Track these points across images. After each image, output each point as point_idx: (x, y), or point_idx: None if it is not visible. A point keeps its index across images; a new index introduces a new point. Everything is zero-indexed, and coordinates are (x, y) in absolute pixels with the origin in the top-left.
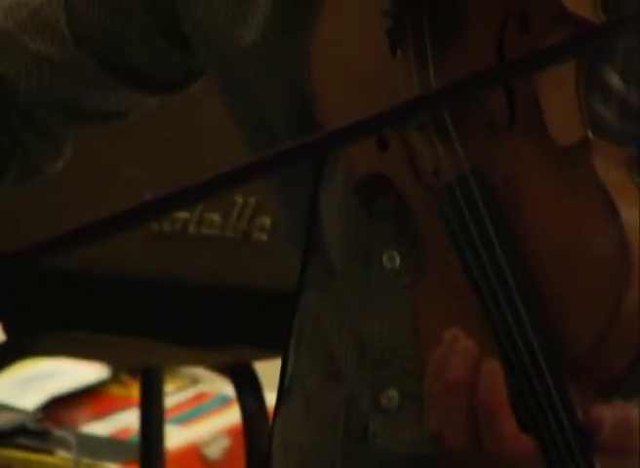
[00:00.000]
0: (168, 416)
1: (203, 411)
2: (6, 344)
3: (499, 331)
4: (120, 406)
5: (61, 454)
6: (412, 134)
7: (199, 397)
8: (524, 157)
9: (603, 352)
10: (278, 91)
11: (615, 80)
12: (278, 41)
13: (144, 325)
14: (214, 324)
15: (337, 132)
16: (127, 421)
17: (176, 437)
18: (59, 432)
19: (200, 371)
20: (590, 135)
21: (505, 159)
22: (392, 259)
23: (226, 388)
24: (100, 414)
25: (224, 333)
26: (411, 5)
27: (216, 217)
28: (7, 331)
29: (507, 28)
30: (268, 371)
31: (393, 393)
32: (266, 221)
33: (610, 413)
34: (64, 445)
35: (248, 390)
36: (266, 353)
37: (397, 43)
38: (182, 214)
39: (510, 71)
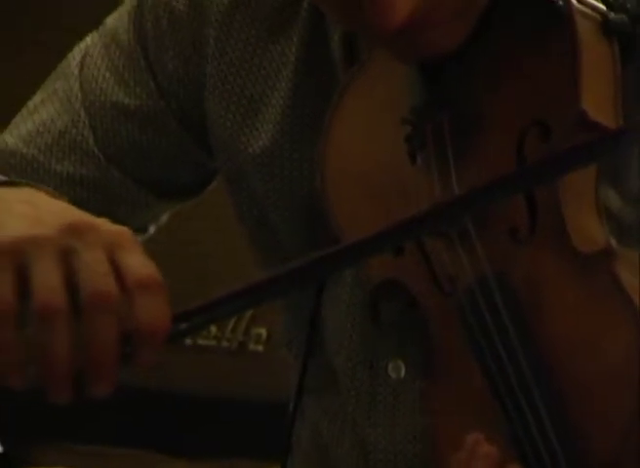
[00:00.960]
0: None
1: None
2: (3, 455)
3: (520, 437)
4: None
5: None
6: (430, 238)
7: None
8: (546, 263)
9: (625, 458)
10: (286, 192)
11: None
12: (288, 147)
13: (143, 436)
14: (212, 435)
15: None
16: None
17: None
18: None
19: None
20: (613, 242)
21: (527, 264)
22: (397, 369)
23: None
24: None
25: (223, 444)
26: (432, 113)
27: (212, 328)
28: (4, 441)
29: (528, 135)
30: None
31: None
32: (262, 332)
33: None
34: None
35: None
36: (265, 464)
37: (417, 150)
38: None
39: (531, 177)
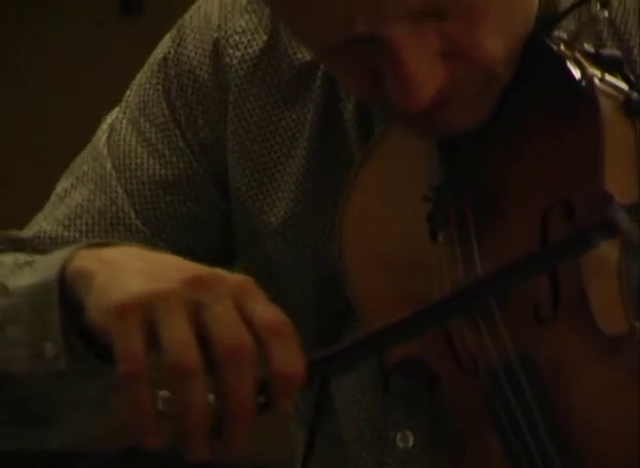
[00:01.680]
0: None
1: None
2: None
3: None
4: None
5: None
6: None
7: None
8: (569, 343)
9: None
10: (300, 260)
11: None
12: (304, 217)
13: None
14: None
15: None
16: None
17: None
18: None
19: None
20: (638, 325)
21: (551, 344)
22: (406, 439)
23: None
24: None
25: None
26: (453, 193)
27: None
28: None
29: (552, 215)
30: None
31: None
32: None
33: None
34: None
35: None
36: None
37: (439, 228)
38: None
39: (556, 256)
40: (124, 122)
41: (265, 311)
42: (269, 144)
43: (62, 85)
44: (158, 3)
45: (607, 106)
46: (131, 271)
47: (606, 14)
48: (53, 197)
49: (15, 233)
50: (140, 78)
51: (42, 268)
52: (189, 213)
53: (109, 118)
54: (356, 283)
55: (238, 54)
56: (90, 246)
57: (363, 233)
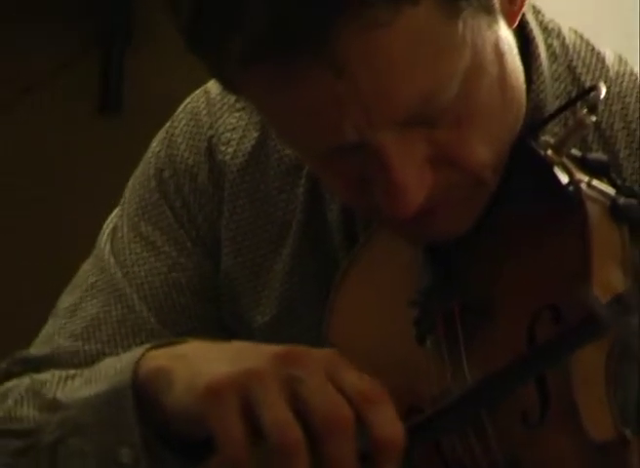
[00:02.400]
0: None
1: None
2: None
3: None
4: None
5: None
6: None
7: None
8: (558, 448)
9: None
10: None
11: None
12: (288, 319)
13: None
14: None
15: None
16: None
17: None
18: None
19: None
20: (629, 433)
21: (539, 449)
22: None
23: None
24: None
25: None
26: (441, 298)
27: None
28: None
29: (539, 320)
30: None
31: None
32: None
33: None
34: None
35: None
36: None
37: (426, 333)
38: None
39: (544, 359)
40: (125, 229)
41: (358, 380)
42: (258, 240)
43: (41, 180)
44: (138, 99)
45: (594, 211)
46: (212, 359)
47: (593, 118)
48: (59, 312)
49: (25, 353)
50: (135, 183)
51: (101, 377)
52: (205, 313)
53: (108, 227)
54: None
55: (230, 150)
56: (156, 346)
57: (349, 339)
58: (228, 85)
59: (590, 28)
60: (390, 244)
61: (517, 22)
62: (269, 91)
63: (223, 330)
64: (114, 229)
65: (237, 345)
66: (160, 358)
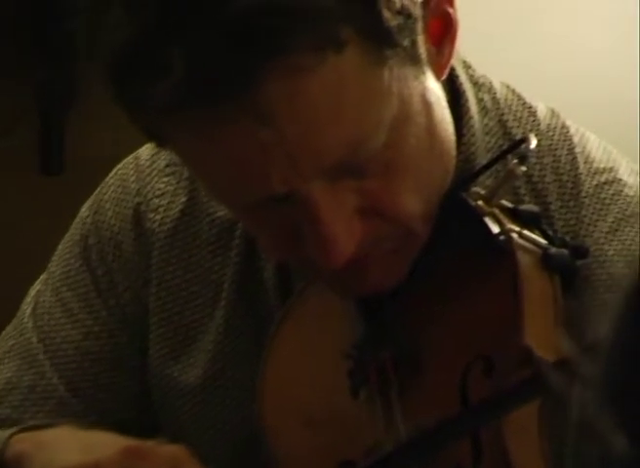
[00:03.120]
0: None
1: None
2: None
3: None
4: None
5: None
6: None
7: None
8: None
9: None
10: (217, 420)
11: None
12: (221, 376)
13: None
14: None
15: None
16: None
17: None
18: None
19: None
20: None
21: None
22: None
23: None
24: None
25: None
26: (374, 350)
27: None
28: None
29: (471, 371)
30: None
31: None
32: None
33: None
34: None
35: None
36: None
37: (359, 385)
38: None
39: (478, 417)
40: (47, 293)
41: None
42: (192, 305)
43: None
44: (79, 162)
45: (525, 261)
46: (66, 449)
47: (523, 168)
48: None
49: None
50: (62, 248)
51: None
52: (117, 384)
53: (33, 289)
54: (277, 443)
55: (158, 217)
56: (27, 429)
57: (284, 393)
58: (154, 136)
59: None
60: (324, 295)
61: (446, 75)
62: (195, 140)
63: (144, 395)
64: (38, 293)
65: (94, 436)
66: (25, 442)
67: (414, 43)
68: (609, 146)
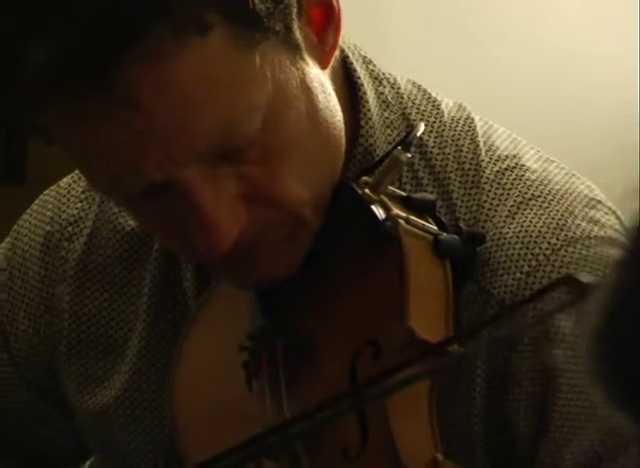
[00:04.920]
0: None
1: None
2: None
3: None
4: None
5: None
6: (266, 462)
7: None
8: None
9: None
10: (147, 435)
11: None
12: (146, 388)
13: None
14: None
15: None
16: None
17: None
18: None
19: None
20: (440, 457)
21: None
22: None
23: None
24: None
25: None
26: (266, 340)
27: None
28: None
29: (360, 356)
30: None
31: None
32: None
33: None
34: None
35: None
36: None
37: (253, 376)
38: None
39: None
40: None
41: None
42: (114, 323)
43: None
44: (41, 171)
45: (413, 246)
46: None
47: (408, 155)
48: None
49: None
50: None
51: None
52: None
53: None
54: (186, 442)
55: (72, 246)
56: None
57: (192, 392)
58: (38, 134)
59: None
60: (230, 292)
61: (343, 69)
62: (70, 132)
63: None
64: None
65: None
66: None
67: (288, 29)
68: (520, 139)
